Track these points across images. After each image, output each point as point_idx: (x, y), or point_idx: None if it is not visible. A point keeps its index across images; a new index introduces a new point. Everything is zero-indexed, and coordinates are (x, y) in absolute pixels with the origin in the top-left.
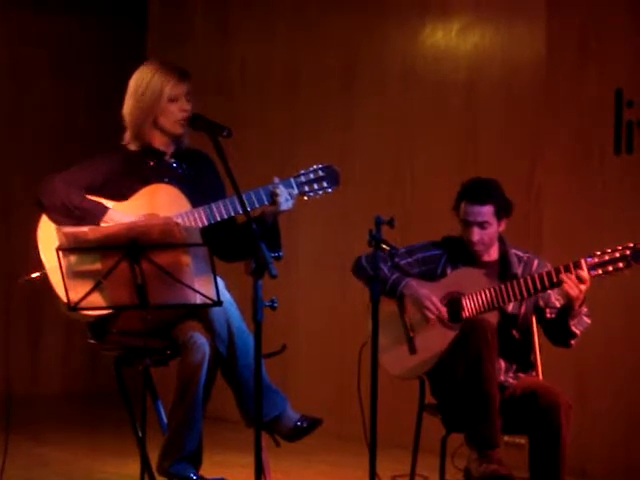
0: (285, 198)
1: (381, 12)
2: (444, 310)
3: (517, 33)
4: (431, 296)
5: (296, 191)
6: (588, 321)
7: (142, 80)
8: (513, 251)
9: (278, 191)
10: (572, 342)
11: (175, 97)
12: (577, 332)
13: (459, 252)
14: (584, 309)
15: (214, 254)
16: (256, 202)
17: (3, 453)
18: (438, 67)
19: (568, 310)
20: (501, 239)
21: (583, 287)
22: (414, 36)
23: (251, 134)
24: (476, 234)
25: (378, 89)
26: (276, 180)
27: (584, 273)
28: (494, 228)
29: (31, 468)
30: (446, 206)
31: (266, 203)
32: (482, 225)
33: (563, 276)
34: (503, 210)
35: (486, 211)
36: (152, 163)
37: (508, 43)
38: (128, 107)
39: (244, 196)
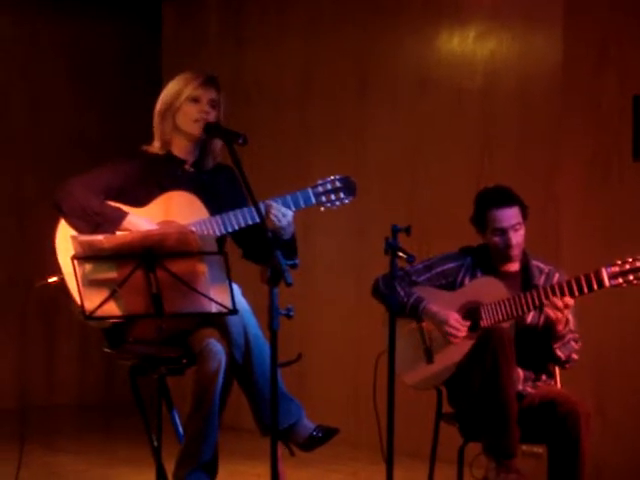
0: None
1: (396, 18)
2: (465, 329)
3: (534, 40)
4: (450, 319)
5: (314, 201)
6: (576, 347)
7: (170, 84)
8: (534, 262)
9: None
10: (567, 366)
11: (196, 98)
12: (562, 356)
13: (479, 262)
14: (574, 335)
15: (248, 258)
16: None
17: (18, 463)
18: (454, 74)
19: (551, 332)
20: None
21: (566, 312)
22: (429, 43)
23: (265, 142)
24: (513, 237)
25: (393, 96)
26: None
27: (568, 300)
28: (524, 229)
29: (46, 478)
30: (463, 213)
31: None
32: (515, 227)
33: (551, 298)
34: (525, 210)
35: (515, 212)
36: (171, 171)
37: (525, 50)
38: (155, 110)
39: (260, 204)
